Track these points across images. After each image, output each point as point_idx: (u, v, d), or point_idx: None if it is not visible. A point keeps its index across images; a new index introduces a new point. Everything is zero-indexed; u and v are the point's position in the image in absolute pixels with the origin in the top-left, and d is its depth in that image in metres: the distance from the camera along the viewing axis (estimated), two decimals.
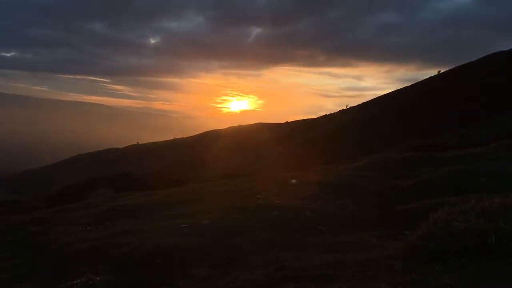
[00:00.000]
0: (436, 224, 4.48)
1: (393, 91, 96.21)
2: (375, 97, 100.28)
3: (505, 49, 75.24)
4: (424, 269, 3.93)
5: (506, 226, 3.98)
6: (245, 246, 5.63)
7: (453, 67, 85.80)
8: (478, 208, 4.47)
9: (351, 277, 3.93)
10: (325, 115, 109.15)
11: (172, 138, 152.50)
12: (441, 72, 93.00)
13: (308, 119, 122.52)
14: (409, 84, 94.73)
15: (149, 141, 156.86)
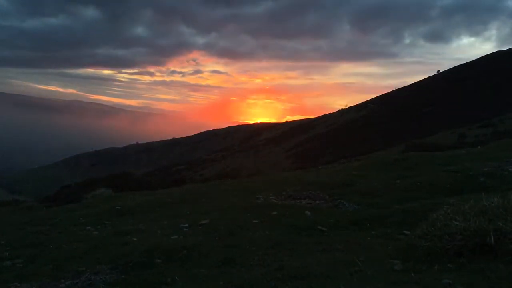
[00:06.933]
0: (435, 224, 4.49)
1: (393, 90, 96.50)
2: (374, 96, 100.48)
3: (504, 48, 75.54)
4: (423, 269, 3.94)
5: (505, 226, 3.99)
6: (244, 246, 5.65)
7: (452, 66, 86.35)
8: (477, 208, 4.48)
9: (350, 276, 3.94)
10: (324, 115, 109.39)
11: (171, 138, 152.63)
12: (440, 71, 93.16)
13: (307, 118, 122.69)
14: (408, 84, 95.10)
15: (149, 141, 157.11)
